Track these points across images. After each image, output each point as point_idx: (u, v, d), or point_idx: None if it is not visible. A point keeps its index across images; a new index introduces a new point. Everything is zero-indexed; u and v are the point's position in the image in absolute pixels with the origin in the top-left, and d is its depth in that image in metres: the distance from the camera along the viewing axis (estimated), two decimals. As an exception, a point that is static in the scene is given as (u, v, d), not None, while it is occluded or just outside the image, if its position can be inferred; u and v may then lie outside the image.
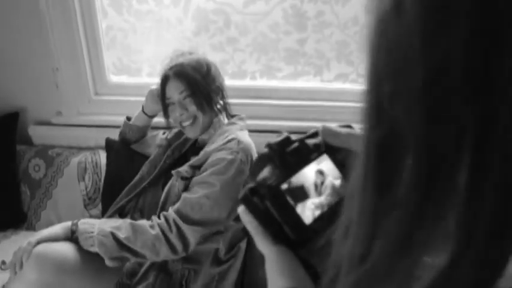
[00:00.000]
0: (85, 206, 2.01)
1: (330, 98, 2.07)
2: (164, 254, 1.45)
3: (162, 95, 1.62)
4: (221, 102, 1.65)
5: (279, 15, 1.97)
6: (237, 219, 1.57)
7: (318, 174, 0.55)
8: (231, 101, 1.72)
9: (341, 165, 0.56)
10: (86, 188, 2.01)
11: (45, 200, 2.03)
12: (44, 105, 2.17)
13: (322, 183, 0.55)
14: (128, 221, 1.47)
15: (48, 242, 1.40)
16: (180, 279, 1.52)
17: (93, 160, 2.04)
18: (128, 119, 1.86)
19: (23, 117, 2.18)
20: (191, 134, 1.64)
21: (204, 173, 1.50)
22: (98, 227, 1.43)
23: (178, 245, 1.45)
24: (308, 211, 0.53)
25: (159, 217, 1.51)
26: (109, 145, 1.97)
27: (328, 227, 0.53)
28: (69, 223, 1.46)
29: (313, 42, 2.02)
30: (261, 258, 0.56)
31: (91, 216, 1.99)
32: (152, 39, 2.08)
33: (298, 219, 0.52)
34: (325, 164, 0.56)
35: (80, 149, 2.11)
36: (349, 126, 0.58)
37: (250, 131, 1.72)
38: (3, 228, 2.01)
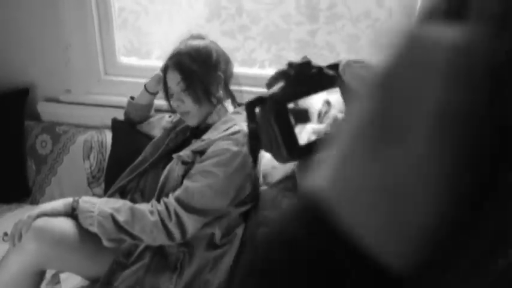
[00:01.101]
0: (89, 185, 2.03)
1: (337, 91, 2.06)
2: (161, 240, 1.47)
3: (164, 84, 1.64)
4: (221, 92, 1.64)
5: (291, 5, 1.96)
6: (236, 205, 1.58)
7: (325, 103, 0.57)
8: (238, 88, 1.72)
9: (349, 102, 0.58)
10: (91, 167, 2.03)
11: (50, 176, 2.06)
12: (53, 83, 2.19)
13: (326, 112, 0.58)
14: (128, 204, 1.48)
15: (48, 216, 1.42)
16: (175, 261, 1.54)
17: (99, 139, 2.05)
18: (132, 98, 1.87)
19: (33, 93, 2.20)
20: (189, 122, 1.65)
21: (207, 162, 1.50)
22: (98, 206, 1.44)
23: (177, 233, 1.46)
24: (305, 134, 0.56)
25: (158, 201, 1.52)
26: (115, 125, 1.99)
27: (318, 152, 0.56)
28: (70, 199, 1.47)
29: (324, 34, 2.00)
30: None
31: (94, 195, 2.01)
32: (163, 23, 2.09)
33: (293, 138, 0.55)
34: (335, 96, 0.58)
35: (87, 127, 2.13)
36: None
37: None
38: (7, 201, 2.05)
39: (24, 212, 1.91)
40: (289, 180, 1.89)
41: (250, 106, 0.57)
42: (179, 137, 1.77)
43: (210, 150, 1.53)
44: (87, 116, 2.16)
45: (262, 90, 2.04)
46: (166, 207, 1.47)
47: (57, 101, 2.20)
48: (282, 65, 2.12)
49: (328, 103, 0.58)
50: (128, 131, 1.94)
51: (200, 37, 1.65)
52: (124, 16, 2.10)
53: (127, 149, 1.92)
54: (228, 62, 1.67)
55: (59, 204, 1.46)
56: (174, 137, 1.77)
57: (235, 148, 1.50)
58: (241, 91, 1.83)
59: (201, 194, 1.47)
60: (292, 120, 0.55)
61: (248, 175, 1.56)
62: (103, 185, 2.00)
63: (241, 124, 1.59)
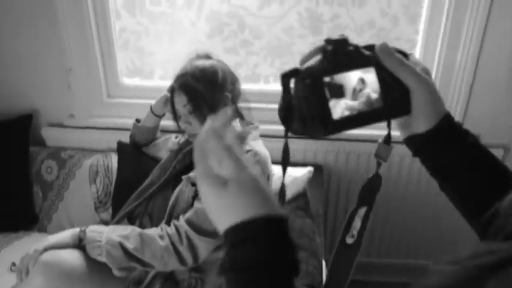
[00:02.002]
0: (96, 209, 2.00)
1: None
2: (173, 265, 1.43)
3: (171, 106, 1.61)
4: (229, 111, 1.61)
5: (293, 18, 1.93)
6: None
7: (360, 81, 0.58)
8: (245, 105, 1.69)
9: (384, 81, 0.59)
10: (97, 191, 2.01)
11: (57, 202, 2.03)
12: (56, 108, 2.17)
13: (361, 90, 0.59)
14: (136, 230, 1.45)
15: (55, 249, 1.39)
16: (187, 287, 1.50)
17: (105, 163, 2.03)
18: (138, 121, 1.84)
19: (36, 119, 2.18)
20: None
21: None
22: (106, 235, 1.41)
23: (188, 257, 1.42)
24: (339, 108, 0.57)
25: (168, 224, 1.49)
26: (120, 148, 1.96)
27: (350, 128, 0.58)
28: (77, 230, 1.44)
29: (328, 46, 1.97)
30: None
31: (101, 220, 1.98)
32: (165, 42, 2.06)
33: (327, 111, 0.56)
34: (369, 75, 0.59)
35: (92, 151, 2.11)
36: (405, 55, 0.61)
37: (263, 136, 1.69)
38: (15, 229, 2.02)
39: (31, 240, 1.90)
40: (302, 199, 1.85)
41: (285, 77, 0.57)
42: (187, 158, 1.73)
43: None
44: (92, 139, 2.14)
45: (269, 106, 2.01)
46: (177, 231, 1.43)
47: (61, 125, 2.18)
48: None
49: (362, 81, 0.59)
50: (134, 153, 1.91)
51: (207, 56, 1.62)
52: (125, 37, 2.08)
53: (133, 172, 1.89)
54: (235, 81, 1.64)
55: (65, 235, 1.43)
56: (182, 158, 1.73)
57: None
58: (249, 108, 1.79)
59: None
60: (327, 94, 0.57)
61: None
62: (110, 210, 1.97)
63: (251, 144, 1.55)
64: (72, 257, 1.39)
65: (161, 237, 1.43)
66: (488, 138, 1.98)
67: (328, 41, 0.59)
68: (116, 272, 1.39)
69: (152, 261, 1.41)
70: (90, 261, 1.40)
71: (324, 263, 1.76)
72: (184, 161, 1.72)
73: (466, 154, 0.60)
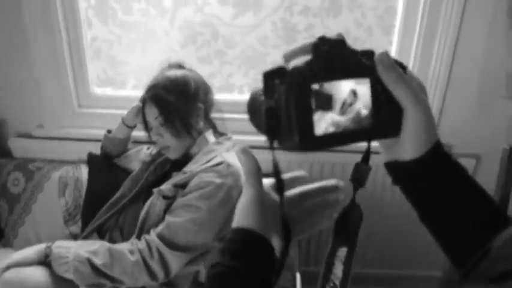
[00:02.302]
0: (65, 223, 1.94)
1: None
2: (144, 280, 1.39)
3: (143, 117, 1.57)
4: (201, 123, 1.58)
5: (268, 28, 1.92)
6: (220, 240, 1.51)
7: (352, 94, 0.51)
8: (218, 115, 1.67)
9: (377, 97, 0.52)
10: (67, 204, 1.94)
11: (24, 215, 1.96)
12: (25, 117, 2.10)
13: (351, 104, 0.51)
14: (106, 245, 1.40)
15: (19, 266, 1.33)
16: (159, 303, 1.45)
17: (75, 175, 1.97)
18: (109, 132, 1.80)
19: (3, 128, 2.12)
20: (171, 155, 1.59)
21: (189, 195, 1.44)
22: (73, 251, 1.36)
23: (160, 272, 1.38)
24: (324, 123, 0.49)
25: (139, 238, 1.44)
26: (91, 160, 1.91)
27: (331, 147, 0.51)
28: (43, 246, 1.39)
29: (303, 56, 1.97)
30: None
31: (70, 233, 1.92)
32: (138, 51, 2.03)
33: (310, 125, 0.48)
34: (363, 87, 0.52)
35: (62, 162, 2.05)
36: (403, 68, 0.54)
37: (237, 146, 1.66)
38: (-21, 244, 1.94)
39: (-3, 257, 1.82)
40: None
41: (268, 77, 0.49)
42: (158, 170, 1.69)
43: (192, 183, 1.46)
44: (62, 150, 2.08)
45: (243, 117, 1.98)
46: (148, 245, 1.39)
47: (30, 136, 2.11)
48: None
49: (354, 94, 0.51)
50: (105, 165, 1.86)
51: (179, 66, 1.59)
52: (97, 45, 2.03)
53: (104, 184, 1.84)
54: (207, 91, 1.61)
55: (30, 251, 1.37)
56: (154, 170, 1.69)
57: (218, 180, 1.44)
58: (223, 118, 1.77)
59: (184, 230, 1.40)
60: (313, 104, 0.48)
61: (233, 207, 1.49)
62: (80, 223, 1.91)
63: (223, 155, 1.53)
64: (37, 275, 1.34)
65: (131, 252, 1.39)
66: (460, 148, 2.00)
67: (322, 40, 0.50)
68: None
69: (122, 277, 1.37)
70: (57, 278, 1.35)
71: (298, 275, 1.73)
72: (156, 173, 1.68)
73: (454, 191, 0.54)
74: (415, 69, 1.89)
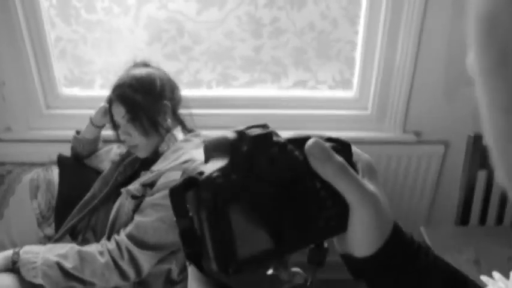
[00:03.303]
0: (39, 225, 1.93)
1: (288, 105, 2.02)
2: (115, 281, 1.40)
3: (110, 117, 1.57)
4: (168, 121, 1.58)
5: (233, 22, 1.92)
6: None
7: None
8: (186, 111, 1.67)
9: (315, 195, 0.44)
10: (39, 206, 1.93)
11: (-4, 220, 1.94)
12: (-9, 121, 2.08)
13: None
14: (75, 247, 1.41)
15: None
16: (131, 303, 1.47)
17: (46, 177, 1.95)
18: (78, 133, 1.79)
19: (-30, 133, 2.08)
20: (140, 154, 1.59)
21: (157, 194, 1.44)
22: (42, 256, 1.36)
23: (131, 272, 1.39)
24: (247, 243, 0.40)
25: (108, 239, 1.45)
26: (61, 161, 1.90)
27: (261, 266, 0.43)
28: (10, 252, 1.38)
29: (269, 49, 1.97)
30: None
31: (45, 236, 1.92)
32: (104, 50, 2.01)
33: (230, 248, 0.39)
34: None
35: (32, 165, 2.03)
36: (347, 146, 0.47)
37: (207, 142, 1.66)
38: (-48, 251, 1.92)
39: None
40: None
41: (175, 195, 0.39)
42: (128, 169, 1.69)
43: (160, 182, 1.46)
44: (32, 153, 2.06)
45: (212, 112, 1.98)
46: (118, 246, 1.40)
47: (-2, 139, 2.09)
48: (229, 84, 2.04)
49: None
50: (75, 166, 1.86)
51: (145, 64, 1.59)
52: (62, 45, 2.01)
53: (76, 185, 1.83)
54: (174, 88, 1.62)
55: None
56: (123, 170, 1.69)
57: None
58: (191, 114, 1.77)
59: (153, 229, 1.41)
60: (237, 220, 0.39)
61: None
62: (54, 225, 1.90)
63: (192, 152, 1.53)
64: (6, 282, 1.34)
65: (101, 253, 1.39)
66: (429, 135, 2.03)
67: (241, 136, 0.40)
68: None
69: (93, 279, 1.37)
70: (26, 284, 1.35)
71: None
72: (126, 173, 1.68)
73: (416, 279, 0.48)
74: (381, 57, 1.90)
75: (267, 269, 0.46)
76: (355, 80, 2.03)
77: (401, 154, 2.02)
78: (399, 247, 0.47)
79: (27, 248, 1.40)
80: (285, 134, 0.43)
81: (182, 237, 0.39)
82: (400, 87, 1.95)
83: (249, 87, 2.03)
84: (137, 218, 1.44)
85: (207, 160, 0.43)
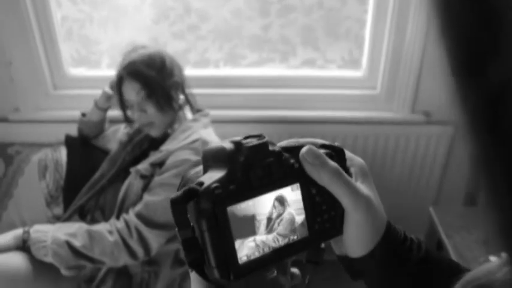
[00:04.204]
0: (47, 205, 1.94)
1: (296, 85, 2.00)
2: (124, 260, 1.40)
3: (119, 97, 1.55)
4: (181, 97, 1.58)
5: (240, 0, 1.89)
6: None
7: (277, 203, 0.43)
8: (194, 91, 1.66)
9: (311, 202, 0.46)
10: (48, 186, 1.94)
11: (6, 200, 1.96)
12: (0, 102, 2.08)
13: (279, 216, 0.44)
14: (84, 226, 1.42)
15: None
16: (140, 282, 1.48)
17: (54, 157, 1.96)
18: (83, 115, 1.79)
19: (-21, 114, 2.09)
20: (153, 133, 1.58)
21: (166, 174, 1.44)
22: (51, 235, 1.37)
23: (139, 251, 1.40)
24: (246, 249, 0.41)
25: (117, 218, 1.46)
26: (68, 142, 1.90)
27: (260, 270, 0.44)
28: (20, 231, 1.39)
29: (277, 28, 1.94)
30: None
31: (54, 215, 1.93)
32: (110, 29, 1.99)
33: (231, 255, 0.40)
34: (292, 192, 0.45)
35: (41, 145, 2.03)
36: (340, 152, 0.48)
37: (215, 121, 1.66)
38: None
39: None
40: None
41: (176, 206, 0.40)
42: (136, 149, 1.69)
43: (169, 162, 1.46)
44: (40, 133, 2.06)
45: (220, 91, 1.97)
46: (127, 224, 1.41)
47: (6, 120, 2.09)
48: (237, 64, 2.01)
49: (281, 202, 0.44)
50: (83, 146, 1.86)
51: (144, 47, 1.57)
52: (68, 25, 1.99)
53: (83, 165, 1.84)
54: (180, 67, 1.61)
55: (7, 238, 1.38)
56: (131, 150, 1.69)
57: (194, 158, 1.44)
58: (199, 94, 1.76)
59: (162, 208, 1.41)
60: (236, 228, 0.41)
61: None
62: (62, 205, 1.92)
63: (200, 132, 1.53)
64: (17, 260, 1.35)
65: (110, 232, 1.40)
66: (438, 115, 2.00)
67: (237, 146, 0.42)
68: (64, 272, 1.36)
69: (102, 258, 1.38)
70: (36, 262, 1.36)
71: None
72: (134, 153, 1.68)
73: (411, 274, 0.50)
74: (391, 35, 1.87)
75: (267, 273, 0.47)
76: (364, 59, 2.00)
77: (410, 134, 2.00)
78: (392, 245, 0.49)
79: (37, 227, 1.41)
80: (293, 114, 0.43)
81: (184, 246, 0.41)
82: (409, 67, 1.92)
83: (257, 66, 2.01)
84: (146, 197, 1.44)
85: (205, 169, 0.44)
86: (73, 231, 1.39)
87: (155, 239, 1.42)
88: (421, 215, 1.90)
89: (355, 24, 1.94)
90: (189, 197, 0.40)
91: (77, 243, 1.36)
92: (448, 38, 0.23)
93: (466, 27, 0.21)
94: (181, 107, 1.59)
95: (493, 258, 1.33)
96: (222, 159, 0.42)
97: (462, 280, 0.44)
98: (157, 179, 1.46)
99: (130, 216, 1.42)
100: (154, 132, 1.59)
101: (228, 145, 0.42)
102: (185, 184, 0.44)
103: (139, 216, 1.41)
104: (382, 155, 2.04)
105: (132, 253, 1.40)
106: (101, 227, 1.42)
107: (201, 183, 0.40)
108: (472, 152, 0.25)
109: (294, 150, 0.45)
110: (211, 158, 0.44)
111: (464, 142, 0.24)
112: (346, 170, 0.48)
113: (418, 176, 2.11)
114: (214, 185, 0.40)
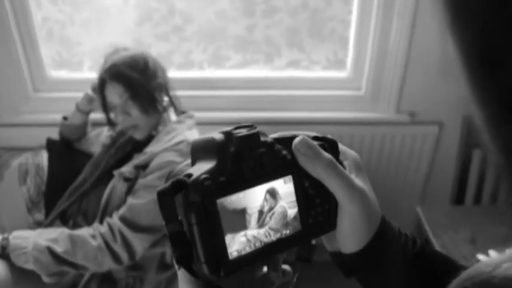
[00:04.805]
0: (28, 211, 1.90)
1: (281, 86, 1.99)
2: (108, 264, 1.37)
3: (102, 100, 1.52)
4: (165, 99, 1.56)
5: (225, 1, 1.87)
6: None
7: (269, 196, 0.42)
8: (178, 93, 1.63)
9: (303, 194, 0.44)
10: (29, 191, 1.90)
11: (-15, 206, 1.91)
12: (-22, 106, 2.03)
13: (271, 209, 0.42)
14: (66, 231, 1.38)
15: None
16: (125, 287, 1.45)
17: (35, 161, 1.91)
18: (65, 118, 1.75)
19: (-43, 118, 2.03)
20: (137, 136, 1.56)
21: (150, 176, 1.42)
22: (32, 241, 1.33)
23: (123, 255, 1.37)
24: (237, 244, 0.40)
25: (101, 222, 1.42)
26: (50, 146, 1.85)
27: (251, 265, 0.42)
28: None
29: (262, 29, 1.93)
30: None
31: (35, 221, 1.88)
32: (92, 31, 1.96)
33: (221, 250, 0.39)
34: (284, 185, 0.43)
35: (22, 149, 1.98)
36: (333, 144, 0.47)
37: (200, 124, 1.64)
38: None
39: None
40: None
41: (163, 198, 0.38)
42: (119, 152, 1.66)
43: (153, 164, 1.44)
44: (20, 137, 2.02)
45: (204, 93, 1.95)
46: (110, 228, 1.38)
47: (-15, 124, 2.04)
48: (221, 65, 2.00)
49: (272, 195, 0.42)
50: (64, 150, 1.82)
51: (125, 49, 1.54)
52: (48, 26, 1.95)
53: (65, 169, 1.80)
54: (163, 69, 1.58)
55: None
56: (114, 152, 1.66)
57: (179, 159, 1.42)
58: (185, 96, 1.73)
59: (146, 211, 1.38)
60: (226, 221, 0.39)
61: None
62: (44, 210, 1.87)
63: (185, 133, 1.51)
64: (-5, 268, 1.31)
65: (93, 236, 1.37)
66: (423, 115, 2.01)
67: (228, 136, 0.40)
68: (45, 279, 1.32)
69: (85, 263, 1.35)
70: (16, 270, 1.32)
71: None
72: (117, 155, 1.65)
73: (405, 270, 0.49)
74: (375, 37, 1.88)
75: (258, 269, 0.46)
76: (349, 60, 2.00)
77: (396, 134, 2.01)
78: (387, 240, 0.47)
79: (16, 233, 1.37)
80: (278, 115, 0.42)
81: (172, 241, 0.39)
82: (394, 67, 1.92)
83: (241, 68, 2.00)
84: (130, 200, 1.41)
85: (194, 161, 0.42)
86: (54, 236, 1.36)
87: (139, 243, 1.39)
88: (407, 215, 1.90)
89: (340, 25, 1.94)
90: (177, 189, 0.38)
91: (59, 248, 1.33)
92: (465, 33, 0.23)
93: (484, 21, 0.21)
94: (165, 109, 1.57)
95: (481, 257, 1.33)
96: (211, 150, 0.40)
97: (459, 278, 0.42)
98: (141, 181, 1.43)
99: (114, 219, 1.39)
100: (139, 135, 1.56)
101: (217, 135, 0.41)
102: (172, 178, 0.41)
103: (123, 219, 1.38)
104: (368, 155, 2.04)
105: (116, 257, 1.37)
106: (84, 232, 1.38)
107: (190, 175, 0.38)
108: (494, 144, 0.24)
109: (287, 141, 0.44)
110: (200, 149, 0.42)
111: (484, 135, 0.24)
112: (340, 163, 0.46)
113: (404, 175, 2.11)
114: (204, 176, 0.38)
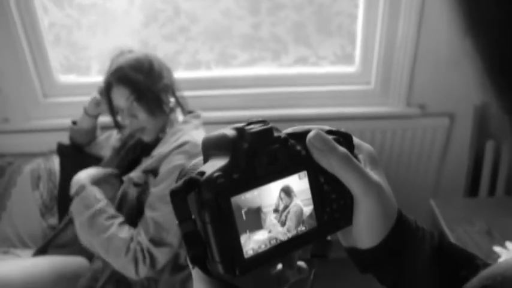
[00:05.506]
0: (42, 216, 1.91)
1: (289, 83, 1.98)
2: (125, 272, 1.38)
3: (108, 103, 1.52)
4: (172, 100, 1.55)
5: (230, -1, 1.87)
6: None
7: (284, 194, 0.41)
8: (186, 93, 1.63)
9: (319, 191, 0.43)
10: (42, 197, 1.91)
11: (0, 212, 1.92)
12: (-11, 113, 2.04)
13: (286, 207, 0.41)
14: (117, 222, 1.41)
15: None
16: (140, 290, 1.45)
17: (47, 166, 1.93)
18: (74, 123, 1.75)
19: (-32, 126, 2.05)
20: (145, 138, 1.55)
21: (162, 185, 1.41)
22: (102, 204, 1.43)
23: (145, 270, 1.37)
24: (252, 243, 0.39)
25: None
26: (61, 150, 1.86)
27: (266, 264, 0.42)
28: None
29: (268, 26, 1.92)
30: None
31: (49, 226, 1.90)
32: (99, 34, 1.96)
33: (237, 250, 0.38)
34: (299, 181, 0.42)
35: (33, 155, 2.00)
36: (348, 137, 0.46)
37: (209, 123, 1.64)
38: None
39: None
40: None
41: (176, 197, 0.37)
42: (130, 154, 1.66)
43: (162, 170, 1.43)
44: (31, 143, 2.03)
45: (211, 93, 1.94)
46: (141, 248, 1.36)
47: (-4, 131, 2.05)
48: (229, 64, 1.99)
49: (287, 193, 0.41)
50: (75, 154, 1.82)
51: (130, 51, 1.54)
52: (56, 31, 1.96)
53: (77, 173, 1.80)
54: (169, 69, 1.58)
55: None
56: (125, 155, 1.66)
57: (188, 161, 1.41)
58: (193, 96, 1.73)
59: (168, 222, 1.38)
60: (241, 220, 0.38)
61: None
62: (57, 215, 1.88)
63: (191, 133, 1.50)
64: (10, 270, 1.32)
65: (127, 250, 1.36)
66: (433, 107, 1.99)
67: (241, 133, 0.39)
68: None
69: (108, 258, 1.38)
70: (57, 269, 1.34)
71: None
72: (128, 158, 1.65)
73: (423, 265, 0.47)
74: (383, 30, 1.86)
75: (274, 266, 0.46)
76: (357, 54, 1.98)
77: (406, 128, 1.99)
78: (404, 235, 0.46)
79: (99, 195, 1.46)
80: (287, 112, 0.41)
81: (185, 240, 0.38)
82: (403, 60, 1.90)
83: (248, 66, 1.99)
84: (150, 214, 1.39)
85: (206, 159, 0.42)
86: (115, 214, 1.43)
87: (164, 256, 1.39)
88: (420, 209, 1.88)
89: (347, 20, 1.93)
90: (189, 188, 0.37)
91: (105, 215, 1.39)
92: (482, 37, 0.22)
93: (500, 26, 0.21)
94: (172, 110, 1.56)
95: (497, 249, 1.31)
96: (224, 146, 0.39)
97: (479, 276, 0.41)
98: (154, 191, 1.42)
99: (144, 240, 1.37)
100: (147, 137, 1.56)
101: (230, 132, 0.40)
102: (184, 176, 0.41)
103: (152, 240, 1.37)
104: (379, 149, 2.02)
105: (137, 272, 1.37)
106: (126, 236, 1.38)
107: (203, 173, 0.38)
108: None
109: (300, 136, 0.43)
110: (213, 146, 0.41)
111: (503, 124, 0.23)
112: (355, 157, 0.45)
113: (416, 169, 2.10)
114: (217, 174, 0.37)
